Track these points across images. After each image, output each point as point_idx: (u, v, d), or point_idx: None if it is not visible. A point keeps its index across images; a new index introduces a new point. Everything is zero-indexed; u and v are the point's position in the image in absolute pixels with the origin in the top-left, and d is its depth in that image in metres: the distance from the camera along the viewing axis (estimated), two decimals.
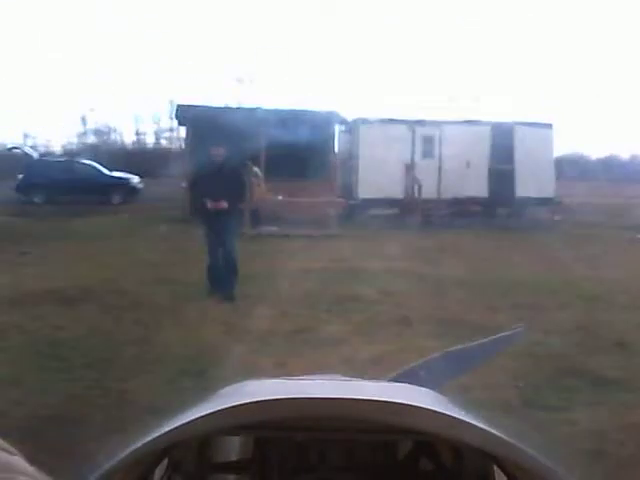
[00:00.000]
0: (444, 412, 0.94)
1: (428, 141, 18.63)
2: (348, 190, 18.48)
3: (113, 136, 36.09)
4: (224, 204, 7.16)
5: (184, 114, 18.10)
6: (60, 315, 6.37)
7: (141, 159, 29.80)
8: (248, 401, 0.93)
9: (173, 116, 18.72)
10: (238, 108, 18.05)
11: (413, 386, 1.20)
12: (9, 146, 25.87)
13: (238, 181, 7.63)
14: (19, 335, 5.73)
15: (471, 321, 6.06)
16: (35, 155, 24.04)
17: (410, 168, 18.24)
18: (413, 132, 18.38)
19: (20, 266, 9.36)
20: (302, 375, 1.26)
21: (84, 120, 37.88)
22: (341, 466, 1.24)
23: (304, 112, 18.62)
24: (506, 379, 4.52)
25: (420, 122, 18.81)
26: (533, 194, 18.74)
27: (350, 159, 18.87)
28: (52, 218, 15.82)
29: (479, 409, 1.04)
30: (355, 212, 17.95)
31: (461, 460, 1.14)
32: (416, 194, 17.95)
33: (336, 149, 19.09)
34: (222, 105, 18.50)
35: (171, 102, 32.00)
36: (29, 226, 14.53)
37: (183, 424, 0.93)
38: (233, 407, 0.93)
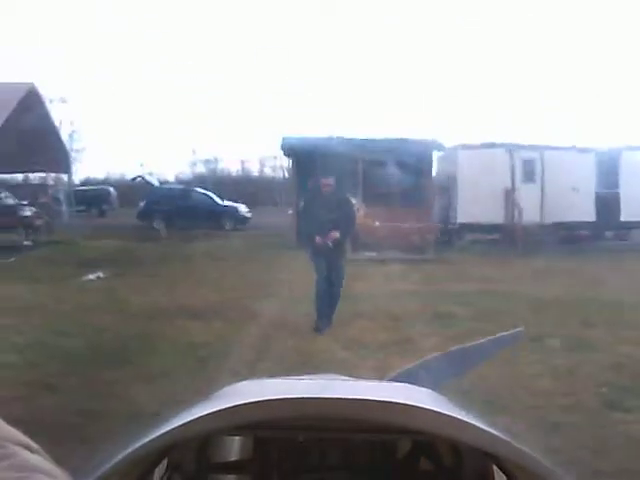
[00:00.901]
0: (444, 412, 0.95)
1: (529, 165, 18.78)
2: (446, 215, 18.94)
3: (220, 165, 38.37)
4: (334, 235, 7.19)
5: (289, 145, 19.30)
6: (194, 326, 7.46)
7: (247, 187, 31.58)
8: (248, 401, 0.93)
9: (278, 146, 19.98)
10: (339, 138, 19.02)
11: (413, 386, 1.21)
12: (133, 176, 28.21)
13: (347, 211, 7.61)
14: (162, 341, 6.82)
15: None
16: (156, 183, 26.18)
17: (510, 193, 18.50)
18: (513, 156, 18.68)
19: (149, 286, 10.58)
20: (302, 375, 1.27)
21: (194, 151, 40.51)
22: (341, 466, 1.25)
23: (402, 140, 19.33)
24: None
25: (520, 146, 19.07)
26: (638, 218, 18.57)
27: (449, 184, 19.31)
28: (171, 242, 17.36)
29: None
30: (454, 237, 18.40)
31: (461, 460, 1.16)
32: (516, 219, 18.19)
33: (434, 175, 19.71)
34: (324, 136, 19.54)
35: (275, 132, 33.81)
36: (152, 250, 16.06)
37: (183, 424, 0.93)
38: (233, 407, 0.93)
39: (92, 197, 28.98)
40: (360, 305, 8.47)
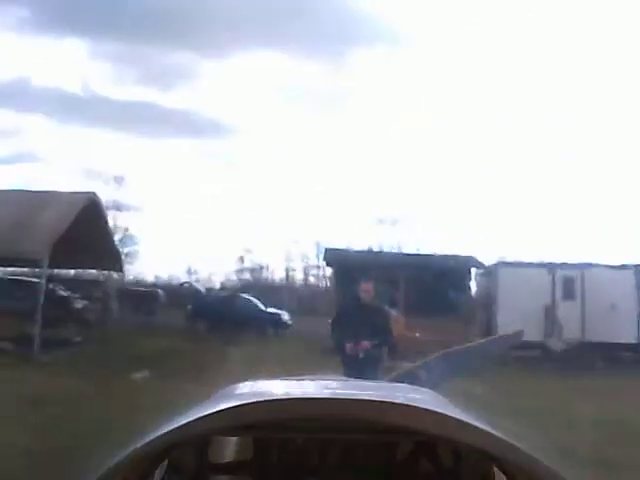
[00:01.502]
0: (444, 412, 0.94)
1: (569, 283, 18.88)
2: (487, 330, 19.00)
3: (265, 273, 39.40)
4: (365, 345, 6.70)
5: (331, 256, 20.05)
6: None
7: (290, 295, 32.27)
8: (248, 401, 0.93)
9: (321, 257, 20.85)
10: (380, 252, 19.77)
11: (413, 386, 1.23)
12: (181, 281, 29.35)
13: (383, 321, 7.10)
14: None
15: None
16: (202, 290, 27.14)
17: (550, 310, 18.51)
18: (553, 275, 18.86)
19: (190, 388, 10.78)
20: (302, 376, 1.29)
21: (242, 259, 41.79)
22: (341, 466, 1.25)
23: (442, 257, 19.88)
24: None
25: (560, 265, 19.28)
26: None
27: (488, 301, 19.51)
28: (214, 346, 17.82)
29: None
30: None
31: (461, 460, 1.17)
32: (556, 336, 18.09)
33: (472, 291, 20.00)
34: (365, 249, 20.38)
35: (317, 243, 34.87)
36: (196, 352, 16.55)
37: (183, 425, 0.93)
38: (233, 407, 0.93)
39: (142, 297, 30.04)
40: None
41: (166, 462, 1.09)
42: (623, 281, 18.67)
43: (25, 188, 18.00)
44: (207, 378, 11.74)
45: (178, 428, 0.92)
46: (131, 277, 36.55)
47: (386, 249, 28.04)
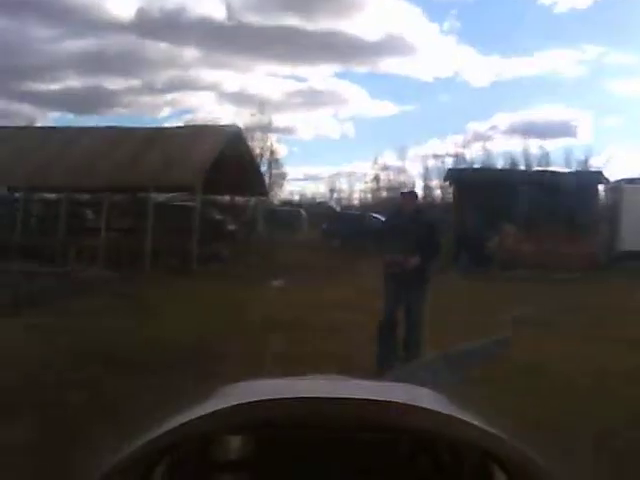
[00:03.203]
0: (444, 412, 0.94)
1: None
2: (610, 245, 19.02)
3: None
4: (410, 261, 5.92)
5: (453, 175, 20.66)
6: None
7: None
8: (248, 401, 0.93)
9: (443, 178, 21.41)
10: (502, 170, 19.91)
11: (413, 386, 1.20)
12: (317, 201, 31.21)
13: (429, 234, 6.27)
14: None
15: None
16: (337, 209, 28.85)
17: None
18: None
19: (317, 288, 12.42)
20: (302, 375, 1.28)
21: (377, 178, 42.84)
22: (341, 466, 1.24)
23: (568, 173, 19.73)
24: None
25: None
26: None
27: (612, 215, 19.40)
28: (342, 259, 19.51)
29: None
30: (615, 264, 18.37)
31: (461, 460, 1.14)
32: None
33: (598, 206, 19.79)
34: (487, 167, 20.59)
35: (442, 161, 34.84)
36: (325, 262, 18.45)
37: (183, 424, 0.93)
38: (233, 407, 0.92)
39: (286, 217, 32.45)
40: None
41: (166, 462, 1.08)
42: None
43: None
44: (331, 284, 13.44)
45: (178, 427, 0.92)
46: (279, 197, 39.38)
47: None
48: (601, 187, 20.45)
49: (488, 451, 0.95)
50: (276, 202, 36.70)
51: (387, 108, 65.35)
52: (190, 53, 68.62)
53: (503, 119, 75.19)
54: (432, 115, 59.88)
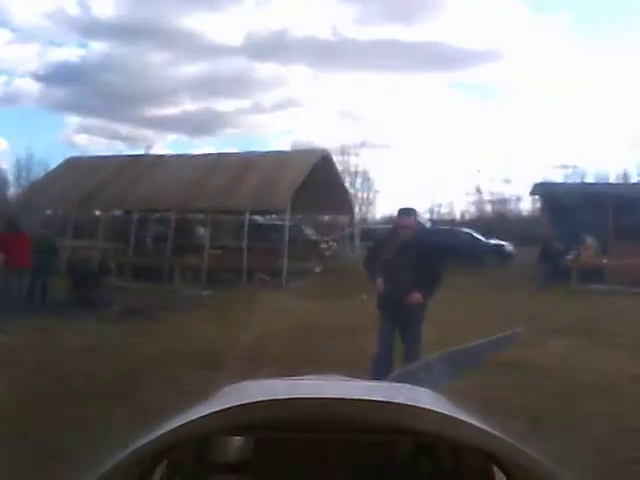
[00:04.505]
0: (444, 412, 0.93)
1: None
2: None
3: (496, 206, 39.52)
4: (413, 299, 5.29)
5: (541, 189, 20.54)
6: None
7: (517, 227, 32.65)
8: (248, 401, 0.91)
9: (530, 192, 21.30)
10: (590, 184, 19.54)
11: (413, 386, 1.18)
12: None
13: (433, 264, 5.53)
14: None
15: None
16: (427, 224, 29.20)
17: None
18: None
19: None
20: (302, 375, 1.26)
21: (479, 189, 41.82)
22: (341, 466, 1.22)
23: None
24: None
25: None
26: None
27: None
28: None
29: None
30: None
31: (461, 460, 1.14)
32: None
33: None
34: (570, 182, 20.30)
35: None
36: None
37: (183, 424, 0.92)
38: (233, 407, 0.91)
39: (379, 234, 33.06)
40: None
41: (166, 462, 1.06)
42: None
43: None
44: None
45: (178, 428, 0.90)
46: (378, 215, 40.01)
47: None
48: None
49: (488, 452, 0.92)
50: (377, 218, 37.40)
51: (493, 117, 64.25)
52: (297, 72, 71.00)
53: (624, 128, 71.37)
54: (543, 124, 57.75)
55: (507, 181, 38.63)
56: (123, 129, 67.39)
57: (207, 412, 0.92)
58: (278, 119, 69.65)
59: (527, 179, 55.83)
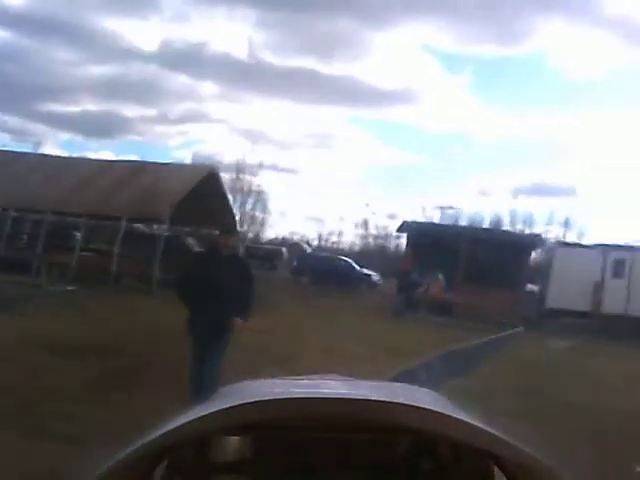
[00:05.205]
0: (444, 412, 0.93)
1: (620, 264, 19.70)
2: (540, 301, 20.46)
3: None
4: (236, 325, 5.26)
5: (406, 228, 22.38)
6: None
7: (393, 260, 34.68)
8: (248, 401, 0.91)
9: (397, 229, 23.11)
10: (448, 225, 21.58)
11: (413, 386, 1.21)
12: (292, 242, 32.93)
13: (249, 285, 5.41)
14: None
15: None
16: (308, 250, 30.55)
17: (599, 286, 19.54)
18: (605, 255, 19.78)
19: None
20: (302, 375, 1.25)
21: (365, 223, 43.84)
22: (341, 466, 1.22)
23: (507, 233, 21.34)
24: None
25: (613, 247, 20.15)
26: None
27: (545, 275, 20.94)
28: (308, 294, 20.78)
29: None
30: (543, 320, 19.76)
31: (461, 459, 1.14)
32: (602, 309, 19.19)
33: (528, 267, 21.36)
34: (434, 222, 22.31)
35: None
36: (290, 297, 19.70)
37: (183, 424, 0.91)
38: (233, 407, 0.91)
39: (267, 253, 33.98)
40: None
41: (166, 462, 1.04)
42: None
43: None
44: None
45: (178, 428, 0.90)
46: (271, 235, 40.94)
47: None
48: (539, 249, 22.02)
49: (488, 451, 0.92)
50: (268, 239, 38.40)
51: (395, 156, 67.50)
52: (208, 87, 71.24)
53: (507, 176, 76.96)
54: (439, 166, 61.60)
55: (392, 217, 40.96)
56: (14, 121, 64.91)
57: (207, 412, 0.91)
58: (184, 131, 69.48)
59: (411, 216, 59.25)
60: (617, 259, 19.63)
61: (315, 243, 40.96)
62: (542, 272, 21.31)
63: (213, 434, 1.07)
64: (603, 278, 19.52)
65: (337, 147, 65.15)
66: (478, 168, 67.85)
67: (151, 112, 73.60)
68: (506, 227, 29.81)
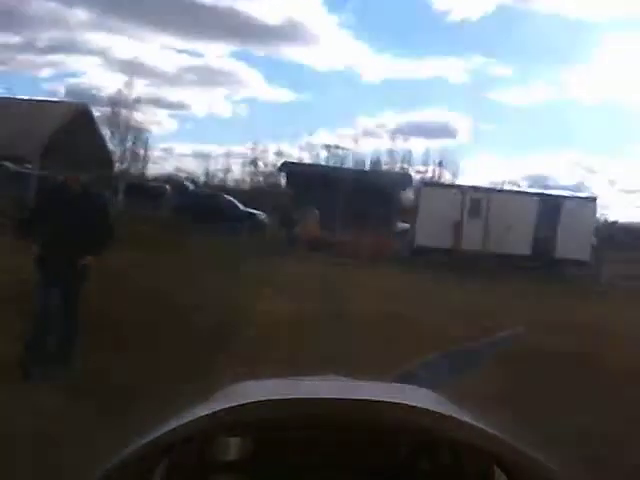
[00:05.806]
0: (444, 412, 0.93)
1: (476, 204, 21.47)
2: (411, 239, 21.95)
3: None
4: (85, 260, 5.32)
5: (285, 168, 22.97)
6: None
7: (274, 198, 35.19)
8: (248, 401, 0.92)
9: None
10: (325, 166, 22.40)
11: (413, 386, 1.18)
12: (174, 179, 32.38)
13: (104, 221, 5.57)
14: None
15: None
16: (191, 187, 30.30)
17: (458, 225, 21.27)
18: (464, 196, 21.46)
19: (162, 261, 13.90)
20: (302, 375, 1.24)
21: (255, 162, 43.82)
22: (341, 466, 1.21)
23: (379, 173, 22.46)
24: None
25: (473, 188, 21.84)
26: (571, 256, 21.05)
27: (413, 214, 22.39)
28: (187, 232, 20.87)
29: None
30: (414, 257, 21.28)
31: (461, 460, 1.12)
32: (462, 247, 20.98)
33: (399, 205, 22.78)
34: (315, 163, 23.02)
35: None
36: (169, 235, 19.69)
37: (183, 424, 0.91)
38: (233, 407, 0.91)
39: (149, 190, 33.20)
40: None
41: (166, 461, 1.02)
42: (525, 206, 21.21)
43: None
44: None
45: (178, 428, 0.90)
46: (156, 172, 39.76)
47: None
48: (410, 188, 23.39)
49: (489, 453, 0.93)
50: (149, 177, 37.34)
51: (281, 94, 66.56)
52: (80, 14, 66.20)
53: (391, 117, 78.56)
54: (325, 106, 61.39)
55: (279, 154, 41.12)
56: None
57: (207, 412, 0.92)
58: (55, 62, 64.76)
59: (300, 155, 59.69)
60: (474, 199, 21.32)
61: (202, 180, 40.53)
62: (411, 211, 22.65)
63: (213, 434, 1.08)
64: (462, 217, 21.20)
65: (223, 83, 63.24)
66: (365, 108, 68.82)
67: (16, 40, 67.45)
68: (386, 167, 31.32)
